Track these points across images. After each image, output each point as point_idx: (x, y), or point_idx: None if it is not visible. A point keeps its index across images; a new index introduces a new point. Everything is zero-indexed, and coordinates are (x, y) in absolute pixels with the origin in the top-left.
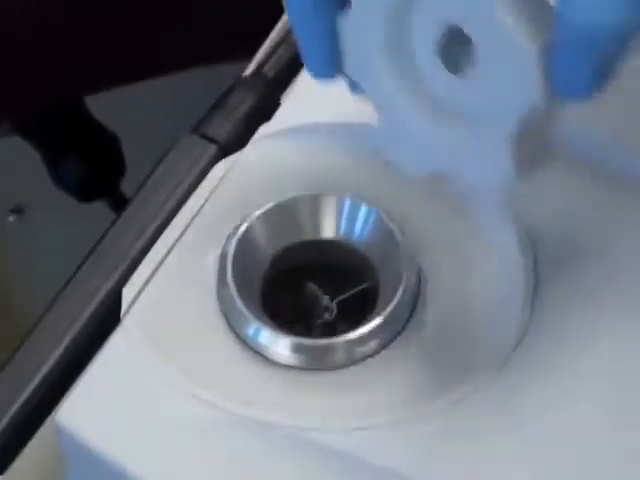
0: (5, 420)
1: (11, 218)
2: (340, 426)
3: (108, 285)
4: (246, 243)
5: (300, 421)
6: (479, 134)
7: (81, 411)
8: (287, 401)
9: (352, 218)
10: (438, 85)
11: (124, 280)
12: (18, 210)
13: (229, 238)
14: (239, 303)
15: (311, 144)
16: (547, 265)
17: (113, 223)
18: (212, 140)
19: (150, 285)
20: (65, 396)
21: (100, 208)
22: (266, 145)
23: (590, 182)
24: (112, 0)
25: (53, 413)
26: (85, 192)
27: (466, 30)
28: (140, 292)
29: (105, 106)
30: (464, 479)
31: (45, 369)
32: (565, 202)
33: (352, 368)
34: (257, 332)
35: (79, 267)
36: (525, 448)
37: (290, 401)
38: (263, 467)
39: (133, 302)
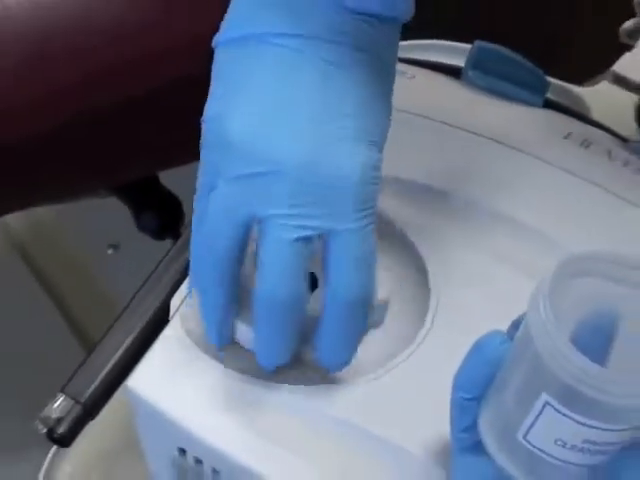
0: (94, 385)
1: (110, 251)
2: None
3: (162, 296)
4: None
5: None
6: None
7: (147, 378)
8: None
9: None
10: None
11: (173, 292)
12: (115, 245)
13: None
14: None
15: None
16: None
17: (167, 253)
18: None
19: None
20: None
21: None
22: None
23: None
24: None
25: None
26: (158, 234)
27: None
28: (183, 301)
29: (172, 177)
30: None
31: (121, 351)
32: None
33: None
34: None
35: (145, 282)
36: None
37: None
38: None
39: (178, 309)
